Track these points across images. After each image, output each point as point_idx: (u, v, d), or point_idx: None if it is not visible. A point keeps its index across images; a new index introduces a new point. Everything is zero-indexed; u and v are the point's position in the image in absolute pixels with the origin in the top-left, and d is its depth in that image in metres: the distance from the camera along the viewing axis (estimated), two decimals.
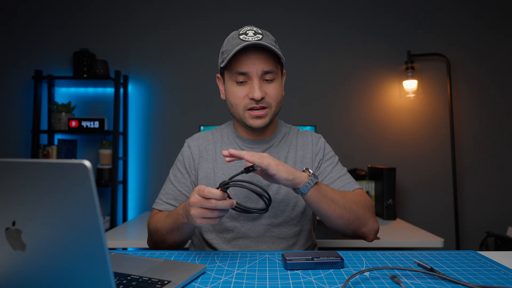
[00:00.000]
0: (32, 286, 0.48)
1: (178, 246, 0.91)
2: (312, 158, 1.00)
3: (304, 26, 2.34)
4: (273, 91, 0.92)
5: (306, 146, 1.01)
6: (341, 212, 0.83)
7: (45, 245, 0.45)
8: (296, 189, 0.80)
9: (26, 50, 2.31)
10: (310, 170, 0.81)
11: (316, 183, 0.80)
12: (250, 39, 0.87)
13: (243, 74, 0.89)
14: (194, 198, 0.70)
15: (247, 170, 0.75)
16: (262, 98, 0.90)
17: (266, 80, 0.91)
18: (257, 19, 2.32)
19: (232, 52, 0.86)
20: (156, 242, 0.92)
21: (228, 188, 0.70)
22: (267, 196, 0.72)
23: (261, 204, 0.92)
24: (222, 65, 0.92)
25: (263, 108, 0.92)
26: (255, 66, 0.89)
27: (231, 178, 0.72)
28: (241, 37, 0.89)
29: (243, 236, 0.93)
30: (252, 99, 0.90)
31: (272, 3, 2.35)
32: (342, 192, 0.88)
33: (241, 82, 0.91)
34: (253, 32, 0.90)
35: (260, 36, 0.89)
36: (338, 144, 2.27)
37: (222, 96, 1.00)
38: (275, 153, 0.99)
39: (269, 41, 0.90)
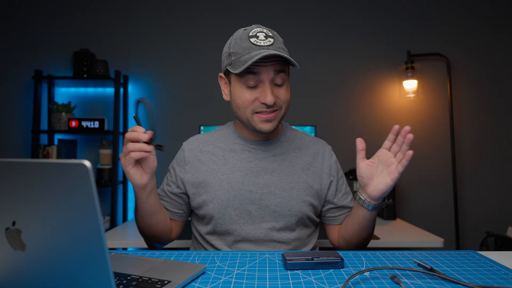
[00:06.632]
0: (32, 286, 0.48)
1: (149, 231, 0.95)
2: (322, 169, 0.99)
3: (304, 26, 2.34)
4: (283, 94, 0.90)
5: (317, 155, 1.00)
6: (364, 238, 0.94)
7: (45, 245, 0.45)
8: (370, 204, 0.85)
9: (26, 50, 2.31)
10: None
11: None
12: (262, 43, 0.85)
13: (253, 73, 0.86)
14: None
15: (157, 146, 0.82)
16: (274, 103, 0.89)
17: (276, 84, 0.89)
18: (257, 19, 2.32)
19: (249, 63, 0.82)
20: (140, 232, 0.98)
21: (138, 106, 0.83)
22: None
23: None
24: (236, 72, 0.86)
25: (274, 111, 0.90)
26: (267, 69, 0.86)
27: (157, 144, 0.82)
28: (252, 40, 0.86)
29: (243, 240, 0.92)
30: (264, 103, 0.88)
31: (272, 3, 2.35)
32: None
33: (251, 86, 0.88)
34: (264, 35, 0.87)
35: (272, 40, 0.87)
36: (338, 144, 2.27)
37: (225, 97, 0.97)
38: (279, 154, 0.97)
39: (280, 44, 0.89)
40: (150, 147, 0.80)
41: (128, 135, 0.78)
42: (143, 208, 0.89)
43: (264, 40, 0.86)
